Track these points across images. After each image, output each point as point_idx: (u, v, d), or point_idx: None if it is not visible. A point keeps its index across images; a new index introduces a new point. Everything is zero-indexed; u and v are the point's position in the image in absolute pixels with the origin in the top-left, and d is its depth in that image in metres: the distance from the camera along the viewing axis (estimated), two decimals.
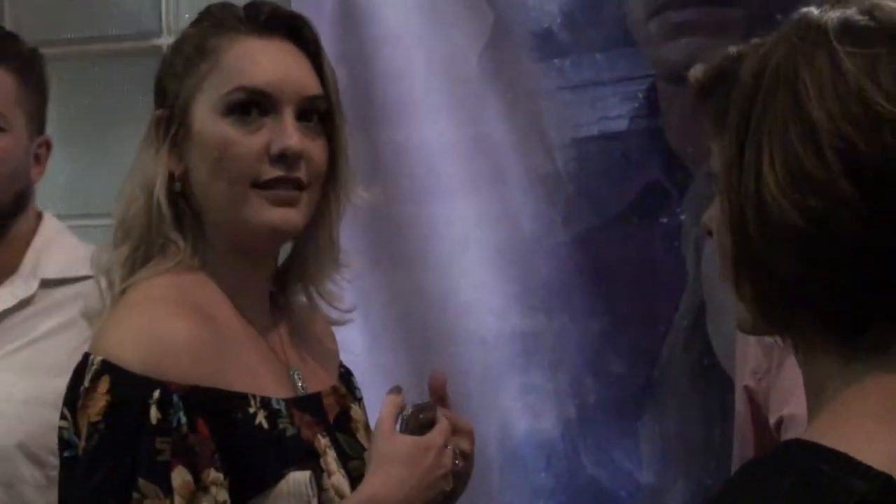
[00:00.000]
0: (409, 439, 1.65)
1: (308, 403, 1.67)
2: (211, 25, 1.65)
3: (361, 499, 1.61)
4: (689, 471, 2.55)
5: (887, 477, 1.12)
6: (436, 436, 1.66)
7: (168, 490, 1.49)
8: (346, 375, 1.82)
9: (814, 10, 1.22)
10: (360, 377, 1.92)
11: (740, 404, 1.97)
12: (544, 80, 2.71)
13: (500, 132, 2.73)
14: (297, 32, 1.66)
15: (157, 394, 1.50)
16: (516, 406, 2.72)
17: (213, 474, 1.52)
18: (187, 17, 2.81)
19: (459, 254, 2.75)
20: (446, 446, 1.67)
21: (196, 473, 1.51)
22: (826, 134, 1.16)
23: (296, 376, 1.69)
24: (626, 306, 2.63)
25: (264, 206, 1.60)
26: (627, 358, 2.67)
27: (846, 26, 1.19)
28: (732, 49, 1.30)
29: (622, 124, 2.63)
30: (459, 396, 2.54)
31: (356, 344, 2.66)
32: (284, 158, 1.59)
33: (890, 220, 1.15)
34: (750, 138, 1.19)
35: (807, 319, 1.20)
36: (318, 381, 1.73)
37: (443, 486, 1.66)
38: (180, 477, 1.50)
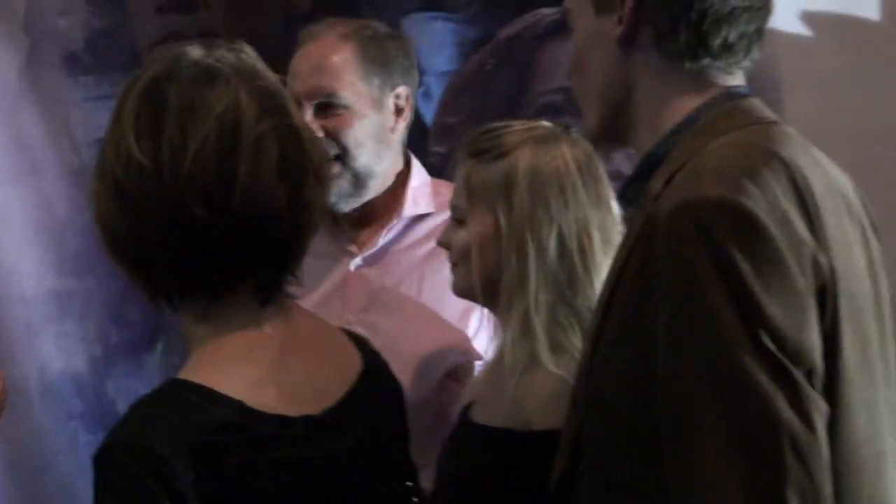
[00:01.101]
0: None
1: None
2: None
3: None
4: None
5: (240, 402, 1.30)
6: None
7: None
8: None
9: (195, 50, 1.36)
10: None
11: None
12: (72, 93, 3.00)
13: (36, 134, 2.97)
14: None
15: None
16: (53, 350, 2.97)
17: None
18: None
19: (5, 232, 2.94)
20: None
21: None
22: (114, 155, 1.33)
23: None
24: None
25: None
26: (141, 308, 2.69)
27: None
28: None
29: None
30: (6, 346, 2.83)
31: None
32: None
33: (152, 238, 1.33)
34: None
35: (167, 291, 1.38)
36: None
37: None
38: None
